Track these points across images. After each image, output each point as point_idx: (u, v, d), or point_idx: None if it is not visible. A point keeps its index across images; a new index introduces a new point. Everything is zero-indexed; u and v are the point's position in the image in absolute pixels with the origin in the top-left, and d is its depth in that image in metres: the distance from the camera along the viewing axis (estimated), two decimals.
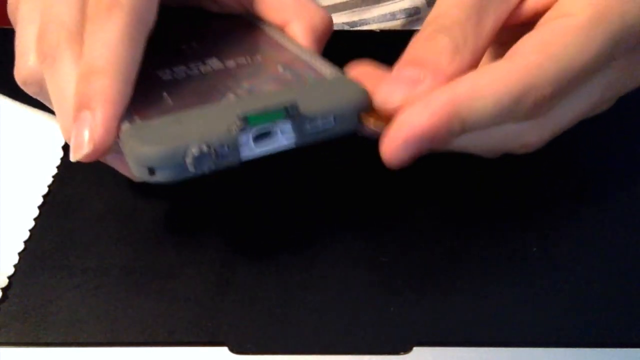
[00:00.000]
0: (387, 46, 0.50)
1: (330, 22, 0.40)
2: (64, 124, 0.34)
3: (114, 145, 0.32)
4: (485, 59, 0.35)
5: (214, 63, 0.37)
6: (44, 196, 0.41)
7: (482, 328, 0.35)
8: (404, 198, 0.41)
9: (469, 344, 0.34)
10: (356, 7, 0.59)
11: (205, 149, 0.30)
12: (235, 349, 0.34)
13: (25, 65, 0.36)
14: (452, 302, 0.36)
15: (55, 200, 0.41)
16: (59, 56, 0.34)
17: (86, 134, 0.32)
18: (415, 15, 0.59)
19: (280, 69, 0.36)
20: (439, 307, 0.36)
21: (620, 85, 0.36)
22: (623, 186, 0.42)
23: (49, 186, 0.42)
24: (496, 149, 0.36)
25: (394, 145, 0.31)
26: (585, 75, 0.32)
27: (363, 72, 0.35)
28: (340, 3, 0.59)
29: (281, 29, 0.39)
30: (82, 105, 0.32)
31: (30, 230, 0.40)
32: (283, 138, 0.32)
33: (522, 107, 0.31)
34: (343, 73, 0.35)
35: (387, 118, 0.32)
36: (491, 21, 0.33)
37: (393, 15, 0.59)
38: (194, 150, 0.30)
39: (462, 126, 0.31)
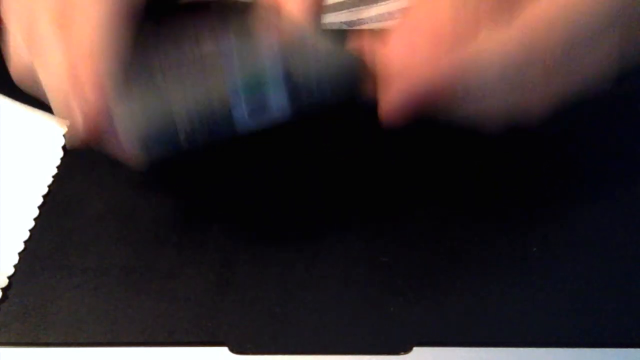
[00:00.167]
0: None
1: None
2: (58, 111, 0.34)
3: (108, 125, 0.32)
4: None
5: (208, 43, 0.37)
6: (44, 196, 0.41)
7: (482, 328, 0.35)
8: (404, 198, 0.41)
9: (469, 344, 0.34)
10: (354, 6, 0.58)
11: (198, 124, 0.31)
12: (235, 349, 0.34)
13: (19, 62, 0.36)
14: (452, 302, 0.36)
15: (55, 200, 0.41)
16: (47, 45, 0.34)
17: (79, 118, 0.32)
18: None
19: (273, 44, 0.36)
20: (439, 307, 0.36)
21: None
22: (623, 186, 0.42)
23: (49, 186, 0.42)
24: (500, 112, 0.35)
25: (393, 98, 0.32)
26: (592, 34, 0.32)
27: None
28: (338, 3, 0.59)
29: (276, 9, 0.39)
30: (73, 90, 0.32)
31: (30, 230, 0.40)
32: (277, 109, 0.32)
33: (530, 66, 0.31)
34: (339, 43, 0.35)
35: (383, 83, 0.33)
36: None
37: (391, 15, 0.59)
38: (187, 126, 0.30)
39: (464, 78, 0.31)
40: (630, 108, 0.46)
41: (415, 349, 0.34)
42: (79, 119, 0.32)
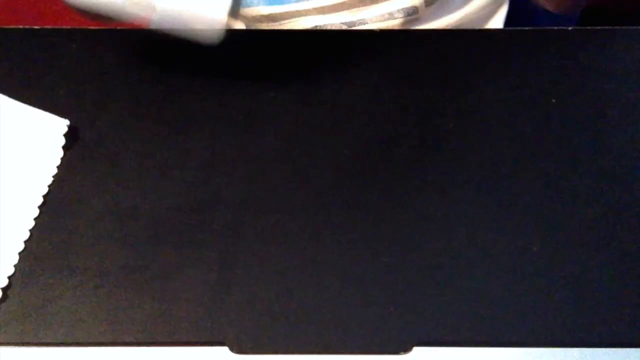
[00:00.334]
0: (386, 46, 0.50)
1: None
2: None
3: None
4: None
5: None
6: (44, 196, 0.41)
7: (482, 328, 0.35)
8: (404, 198, 0.41)
9: (469, 344, 0.34)
10: (354, 6, 0.58)
11: None
12: (235, 349, 0.34)
13: None
14: (452, 302, 0.36)
15: (55, 200, 0.41)
16: None
17: None
18: (414, 14, 0.59)
19: None
20: (439, 307, 0.36)
21: None
22: (623, 186, 0.42)
23: (49, 186, 0.42)
24: None
25: None
26: None
27: None
28: (338, 3, 0.59)
29: None
30: None
31: (30, 230, 0.40)
32: None
33: None
34: None
35: None
36: None
37: (391, 15, 0.58)
38: None
39: None
40: (630, 108, 0.46)
41: (415, 349, 0.34)
42: None
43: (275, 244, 0.39)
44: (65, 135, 0.43)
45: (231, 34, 0.44)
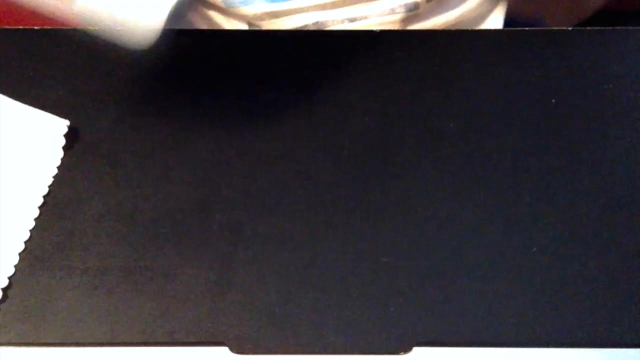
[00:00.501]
0: (387, 46, 0.50)
1: None
2: None
3: None
4: None
5: None
6: (44, 196, 0.41)
7: (482, 328, 0.35)
8: (404, 198, 0.41)
9: (469, 344, 0.34)
10: (356, 2, 0.58)
11: None
12: (235, 349, 0.34)
13: None
14: (452, 302, 0.36)
15: (55, 200, 0.41)
16: None
17: None
18: (415, 10, 0.59)
19: None
20: (439, 307, 0.36)
21: None
22: (623, 186, 0.42)
23: (49, 186, 0.42)
24: None
25: None
26: None
27: None
28: (340, 0, 0.59)
29: None
30: None
31: (30, 230, 0.40)
32: None
33: None
34: None
35: None
36: None
37: (393, 10, 0.58)
38: None
39: None
40: (630, 108, 0.46)
41: (415, 349, 0.34)
42: None
43: (275, 244, 0.39)
44: (65, 135, 0.43)
45: (231, 34, 0.44)
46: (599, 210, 0.40)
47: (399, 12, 0.59)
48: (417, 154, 0.43)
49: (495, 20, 0.61)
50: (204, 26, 0.65)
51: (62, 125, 0.44)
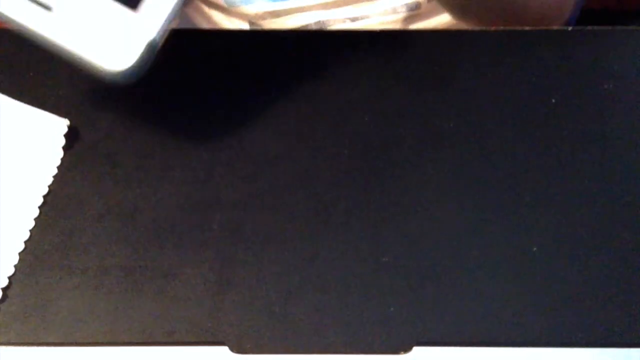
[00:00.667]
0: (387, 46, 0.50)
1: None
2: None
3: None
4: None
5: None
6: (44, 196, 0.41)
7: (482, 328, 0.35)
8: (404, 198, 0.41)
9: (469, 344, 0.34)
10: (357, 1, 0.58)
11: None
12: (236, 349, 0.34)
13: None
14: (452, 302, 0.36)
15: (55, 200, 0.41)
16: None
17: None
18: (416, 9, 0.59)
19: None
20: (439, 307, 0.36)
21: None
22: (623, 186, 0.42)
23: (49, 186, 0.42)
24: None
25: None
26: None
27: None
28: None
29: None
30: None
31: (30, 230, 0.40)
32: None
33: None
34: None
35: None
36: None
37: (394, 9, 0.59)
38: None
39: None
40: (630, 108, 0.46)
41: (415, 348, 0.34)
42: None
43: (275, 244, 0.39)
44: (65, 135, 0.43)
45: (232, 33, 0.44)
46: (599, 210, 0.40)
47: (400, 12, 0.59)
48: (417, 154, 0.43)
49: None
50: (204, 25, 0.65)
51: (62, 125, 0.44)
